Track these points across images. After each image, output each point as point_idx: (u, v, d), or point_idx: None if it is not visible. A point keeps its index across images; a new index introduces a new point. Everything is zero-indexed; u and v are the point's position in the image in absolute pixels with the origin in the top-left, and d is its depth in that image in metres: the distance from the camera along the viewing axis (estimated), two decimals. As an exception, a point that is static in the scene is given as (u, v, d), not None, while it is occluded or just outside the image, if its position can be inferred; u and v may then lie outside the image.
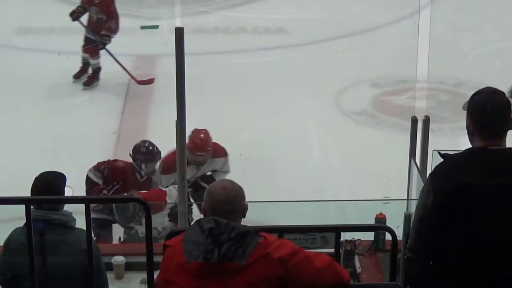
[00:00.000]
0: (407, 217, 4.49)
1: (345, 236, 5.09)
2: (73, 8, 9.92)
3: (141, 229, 6.17)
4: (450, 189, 3.19)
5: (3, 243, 4.07)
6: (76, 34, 10.09)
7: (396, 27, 11.59)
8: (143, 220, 6.08)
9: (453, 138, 8.18)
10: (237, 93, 9.70)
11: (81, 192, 6.27)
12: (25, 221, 3.77)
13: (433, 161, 4.14)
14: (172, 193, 6.24)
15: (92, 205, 4.09)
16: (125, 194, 6.26)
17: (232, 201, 3.02)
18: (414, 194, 5.01)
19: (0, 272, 4.03)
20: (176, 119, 4.60)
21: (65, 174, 4.13)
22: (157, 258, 3.33)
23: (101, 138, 8.70)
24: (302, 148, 8.60)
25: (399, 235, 3.91)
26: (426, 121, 5.07)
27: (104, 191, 6.30)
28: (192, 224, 3.15)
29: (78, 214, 4.03)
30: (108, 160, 6.52)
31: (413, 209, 3.73)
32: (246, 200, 3.07)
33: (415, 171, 5.10)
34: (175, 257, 2.98)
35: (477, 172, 3.19)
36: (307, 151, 8.56)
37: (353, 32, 11.48)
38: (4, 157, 8.09)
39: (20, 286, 3.95)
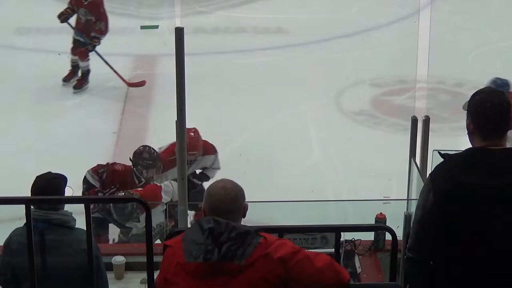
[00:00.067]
0: (407, 217, 4.50)
1: (345, 236, 5.09)
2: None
3: (139, 226, 6.16)
4: (450, 189, 3.18)
5: (3, 243, 4.07)
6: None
7: (396, 27, 11.60)
8: (141, 217, 6.11)
9: (453, 138, 8.16)
10: (237, 93, 9.70)
11: (81, 192, 6.27)
12: (25, 221, 3.76)
13: (433, 161, 4.15)
14: (167, 188, 6.23)
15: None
16: (122, 193, 6.25)
17: (232, 201, 3.01)
18: (414, 194, 5.01)
19: (0, 272, 4.03)
20: (176, 119, 4.60)
21: (65, 174, 4.14)
22: (157, 258, 3.33)
23: (101, 138, 8.70)
24: (302, 148, 8.59)
25: (399, 235, 3.92)
26: (426, 121, 5.06)
27: (100, 194, 6.28)
28: (192, 224, 3.15)
29: (78, 214, 4.03)
30: (108, 164, 6.48)
31: (413, 209, 3.74)
32: (246, 200, 3.07)
33: (415, 171, 5.10)
34: (175, 257, 2.98)
35: (477, 172, 3.18)
36: (307, 151, 8.55)
37: (353, 32, 11.47)
38: (4, 157, 8.09)
39: (20, 286, 3.95)
